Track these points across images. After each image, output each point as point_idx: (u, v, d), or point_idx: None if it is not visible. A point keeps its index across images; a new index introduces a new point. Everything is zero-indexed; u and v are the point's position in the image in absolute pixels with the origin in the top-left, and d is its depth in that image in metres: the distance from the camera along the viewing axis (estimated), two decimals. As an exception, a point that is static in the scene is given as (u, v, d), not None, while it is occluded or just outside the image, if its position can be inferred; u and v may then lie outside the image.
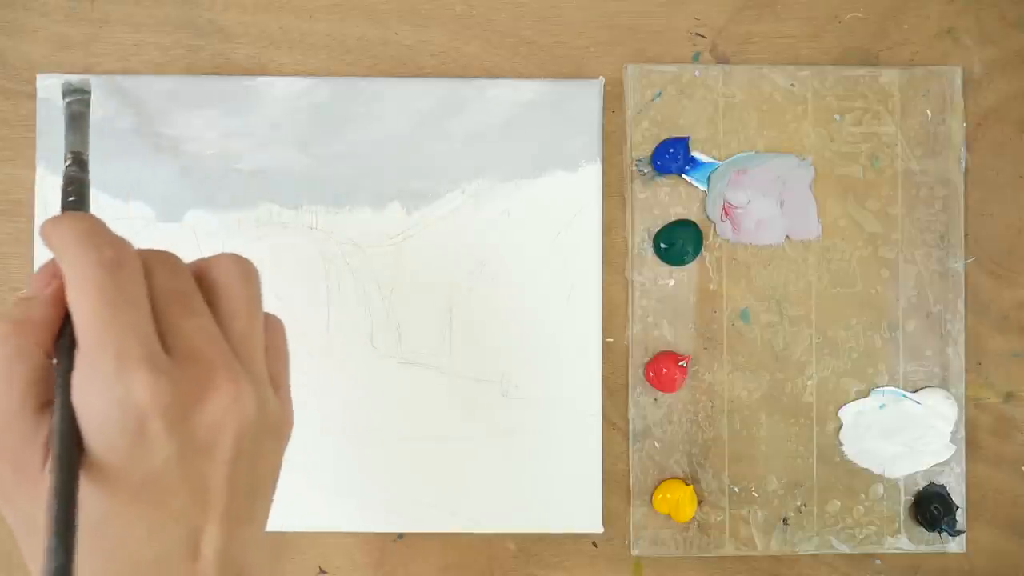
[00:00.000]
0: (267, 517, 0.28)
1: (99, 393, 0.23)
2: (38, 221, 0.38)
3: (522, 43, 0.40)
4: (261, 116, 0.38)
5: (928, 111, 0.39)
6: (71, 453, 0.22)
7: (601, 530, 0.38)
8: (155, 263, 0.25)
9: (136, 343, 0.23)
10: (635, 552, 0.39)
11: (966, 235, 0.39)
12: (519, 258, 0.39)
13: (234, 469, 0.24)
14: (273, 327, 0.28)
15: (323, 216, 0.38)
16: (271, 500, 0.28)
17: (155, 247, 0.26)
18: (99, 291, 0.23)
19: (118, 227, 0.38)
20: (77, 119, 0.34)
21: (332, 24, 0.39)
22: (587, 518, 0.38)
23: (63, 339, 0.24)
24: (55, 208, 0.38)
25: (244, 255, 0.38)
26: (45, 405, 0.24)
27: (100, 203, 0.38)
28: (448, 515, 0.38)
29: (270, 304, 0.38)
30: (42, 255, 0.38)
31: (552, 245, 0.39)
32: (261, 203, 0.38)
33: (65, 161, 0.32)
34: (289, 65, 0.39)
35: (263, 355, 0.27)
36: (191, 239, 0.38)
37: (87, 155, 0.33)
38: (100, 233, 0.24)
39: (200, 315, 0.25)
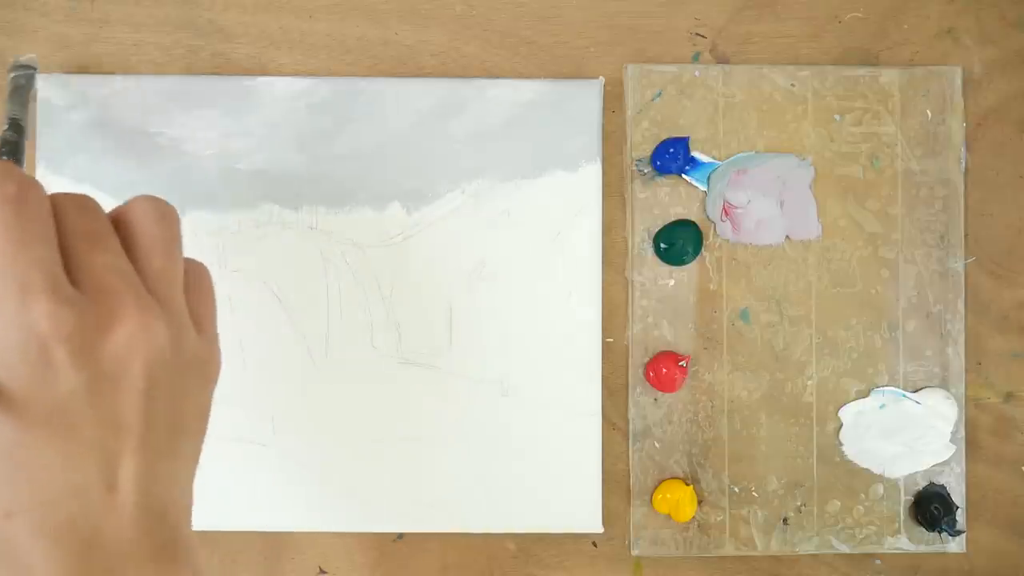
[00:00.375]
0: (196, 457, 0.28)
1: (2, 324, 0.23)
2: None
3: (522, 43, 0.40)
4: (261, 116, 0.38)
5: (928, 111, 0.39)
6: None
7: (601, 530, 0.38)
8: (67, 203, 0.26)
9: (39, 275, 0.23)
10: (635, 552, 0.39)
11: (966, 235, 0.39)
12: (519, 258, 0.39)
13: (148, 401, 0.25)
14: (196, 271, 0.29)
15: (323, 216, 0.38)
16: (200, 440, 0.28)
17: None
18: (1, 226, 0.23)
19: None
20: (19, 91, 0.37)
21: (332, 24, 0.39)
22: (587, 518, 0.38)
23: None
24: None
25: (244, 254, 0.39)
26: None
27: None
28: (448, 515, 0.38)
29: (269, 304, 0.38)
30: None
31: (552, 245, 0.39)
32: (261, 203, 0.38)
33: (2, 127, 0.35)
34: (289, 65, 0.39)
35: (181, 294, 0.27)
36: (191, 239, 0.38)
37: (25, 121, 0.35)
38: (4, 171, 0.24)
39: (111, 252, 0.25)
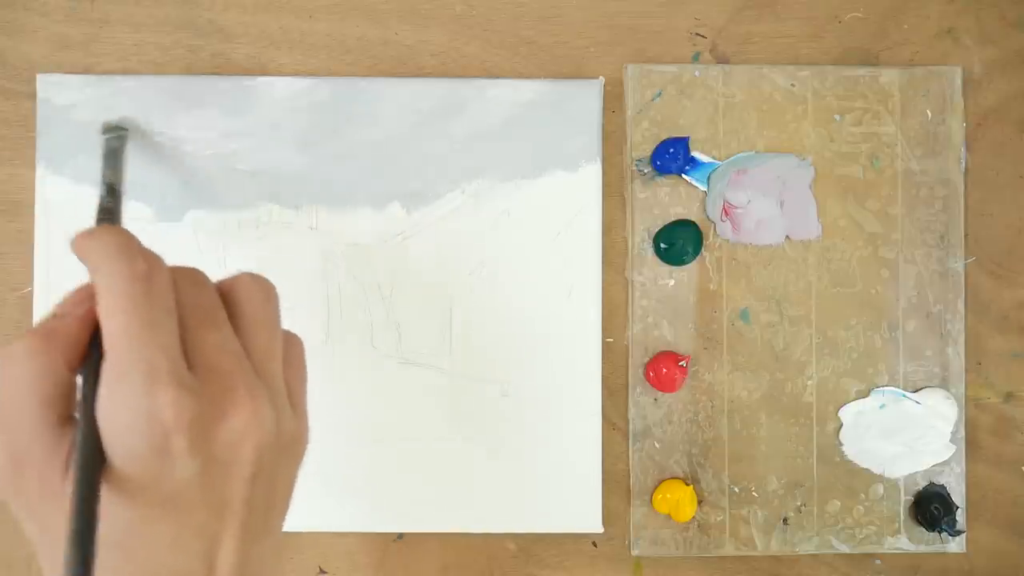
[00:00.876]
0: (281, 531, 0.28)
1: (126, 407, 0.23)
2: (38, 221, 0.38)
3: (522, 43, 0.40)
4: (261, 116, 0.38)
5: (928, 111, 0.39)
6: (93, 467, 0.23)
7: (601, 530, 0.38)
8: (182, 278, 0.26)
9: (165, 359, 0.23)
10: (635, 552, 0.39)
11: (966, 235, 0.39)
12: (519, 258, 0.39)
13: (253, 485, 0.25)
14: (292, 343, 0.29)
15: (323, 216, 0.38)
16: (285, 517, 0.28)
17: (181, 263, 0.27)
18: (131, 304, 0.23)
19: (118, 227, 0.38)
20: (113, 154, 0.36)
21: (332, 24, 0.39)
22: (587, 518, 0.38)
23: (90, 355, 0.24)
24: (54, 210, 0.38)
25: (244, 254, 0.39)
26: (67, 419, 0.24)
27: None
28: (448, 515, 0.38)
29: (270, 304, 0.38)
30: (42, 255, 0.38)
31: (552, 245, 0.39)
32: (261, 203, 0.38)
33: (100, 191, 0.33)
34: (289, 65, 0.39)
35: (281, 371, 0.27)
36: (191, 239, 0.38)
37: (120, 186, 0.34)
38: (133, 246, 0.25)
39: (223, 331, 0.25)
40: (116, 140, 0.36)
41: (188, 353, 0.24)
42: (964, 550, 0.39)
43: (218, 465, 0.24)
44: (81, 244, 0.25)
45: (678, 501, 0.38)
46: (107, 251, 0.24)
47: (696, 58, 0.40)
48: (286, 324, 0.39)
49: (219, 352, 0.25)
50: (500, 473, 0.38)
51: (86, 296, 0.25)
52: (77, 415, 0.24)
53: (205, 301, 0.26)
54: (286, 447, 0.26)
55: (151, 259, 0.25)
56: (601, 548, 0.39)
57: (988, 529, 0.39)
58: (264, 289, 0.27)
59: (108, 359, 0.23)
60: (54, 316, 0.25)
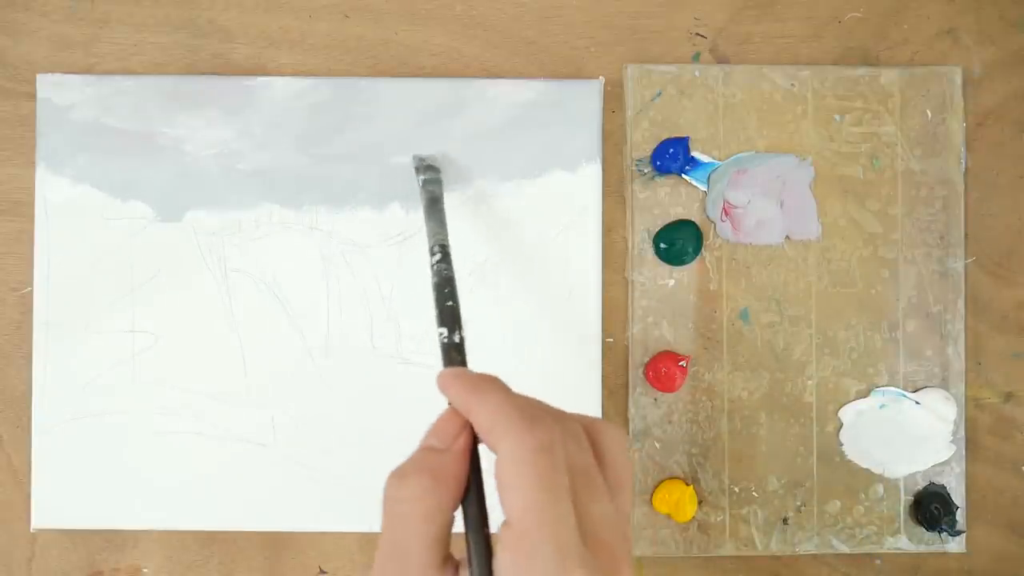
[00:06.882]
0: None
1: None
2: (38, 221, 0.38)
3: (522, 43, 0.40)
4: (261, 116, 0.38)
5: (928, 111, 0.39)
6: None
7: (601, 530, 0.38)
8: (566, 438, 0.25)
9: (570, 536, 0.22)
10: (635, 552, 0.39)
11: (966, 235, 0.39)
12: (519, 258, 0.39)
13: None
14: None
15: (323, 216, 0.38)
16: None
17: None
18: (537, 479, 0.23)
19: (117, 227, 0.39)
20: (435, 203, 0.34)
21: (332, 24, 0.39)
22: (587, 518, 0.38)
23: (469, 497, 0.24)
24: (54, 210, 0.38)
25: (244, 254, 0.38)
26: (448, 559, 0.24)
27: (99, 203, 0.38)
28: (448, 515, 0.38)
29: (270, 304, 0.38)
30: (42, 255, 0.38)
31: (552, 245, 0.39)
32: (261, 203, 0.38)
33: (432, 255, 0.32)
34: (289, 65, 0.39)
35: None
36: (191, 239, 0.38)
37: (449, 244, 0.32)
38: (533, 413, 0.24)
39: (603, 499, 0.25)
40: (434, 184, 0.35)
41: (576, 523, 0.23)
42: (964, 550, 0.39)
43: None
44: (465, 399, 0.25)
45: (678, 501, 0.38)
46: (506, 416, 0.24)
47: (696, 58, 0.40)
48: (286, 324, 0.39)
49: (604, 525, 0.24)
50: (500, 473, 0.38)
51: (460, 427, 0.25)
52: (470, 564, 0.23)
53: (585, 463, 0.25)
54: None
55: (549, 426, 0.24)
56: (601, 548, 0.39)
57: (988, 529, 0.39)
58: (626, 442, 0.26)
59: (513, 531, 0.23)
60: (432, 449, 0.25)
